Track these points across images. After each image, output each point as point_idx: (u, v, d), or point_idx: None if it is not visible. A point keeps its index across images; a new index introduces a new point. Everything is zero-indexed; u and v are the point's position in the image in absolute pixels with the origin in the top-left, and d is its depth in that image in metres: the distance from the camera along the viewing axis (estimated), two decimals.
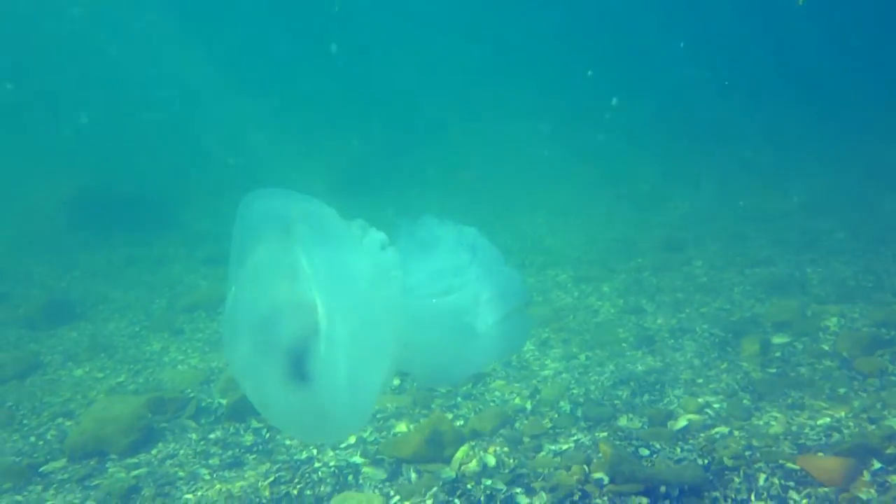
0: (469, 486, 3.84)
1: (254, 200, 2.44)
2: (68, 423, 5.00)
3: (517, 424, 4.58)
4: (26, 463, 4.40)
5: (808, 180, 12.32)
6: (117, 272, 9.57)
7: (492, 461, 4.09)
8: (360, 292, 2.33)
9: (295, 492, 3.90)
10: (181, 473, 4.18)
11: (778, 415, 4.44)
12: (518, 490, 3.75)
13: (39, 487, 4.17)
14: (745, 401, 4.68)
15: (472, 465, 4.05)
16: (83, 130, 17.63)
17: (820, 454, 3.83)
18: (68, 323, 7.37)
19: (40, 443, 4.77)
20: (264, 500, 3.81)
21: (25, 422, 5.09)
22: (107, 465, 4.37)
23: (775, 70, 22.39)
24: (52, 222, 11.97)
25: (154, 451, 4.50)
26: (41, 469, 4.38)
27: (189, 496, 3.92)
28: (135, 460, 4.42)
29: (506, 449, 4.22)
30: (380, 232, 2.45)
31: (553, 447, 4.23)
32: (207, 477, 4.11)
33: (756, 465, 3.77)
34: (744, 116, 17.02)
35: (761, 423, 4.36)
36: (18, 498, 4.06)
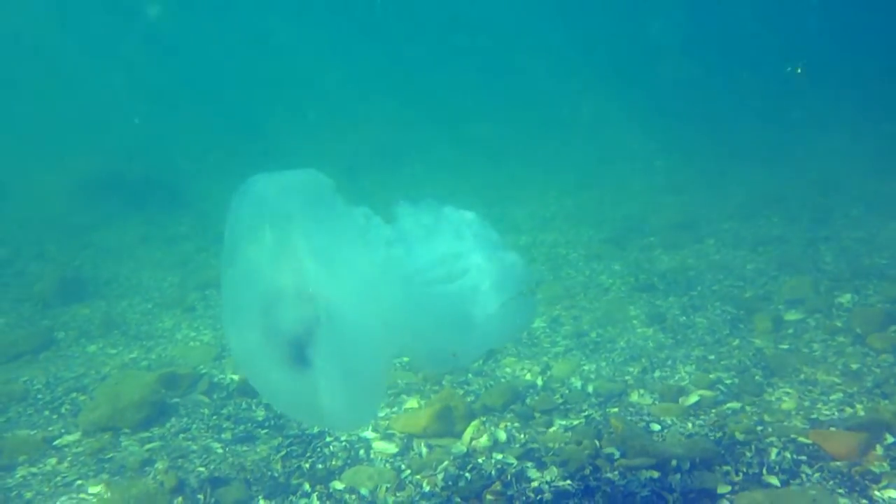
0: (480, 461, 3.85)
1: (256, 183, 2.37)
2: (82, 398, 5.05)
3: (528, 400, 4.58)
4: (41, 436, 4.45)
5: (823, 158, 12.16)
6: (130, 251, 9.60)
7: (502, 436, 4.10)
8: (359, 279, 2.30)
9: (307, 466, 3.92)
10: (194, 447, 4.22)
11: (790, 390, 4.42)
12: (529, 464, 3.76)
13: (54, 460, 4.21)
14: (757, 377, 4.66)
15: (483, 440, 4.06)
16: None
17: (832, 429, 3.81)
18: (82, 300, 7.42)
19: (54, 417, 4.82)
20: (276, 474, 3.84)
21: (40, 396, 5.14)
22: (120, 439, 4.42)
23: (786, 48, 22.08)
24: (65, 202, 12.03)
25: (167, 426, 4.53)
26: (55, 442, 4.43)
27: (202, 469, 3.95)
28: (148, 434, 4.46)
29: (516, 424, 4.22)
30: (380, 219, 2.42)
31: (564, 422, 4.23)
32: (220, 451, 4.14)
33: (768, 440, 3.76)
34: (755, 94, 16.83)
35: (773, 398, 4.34)
36: (34, 470, 4.11)
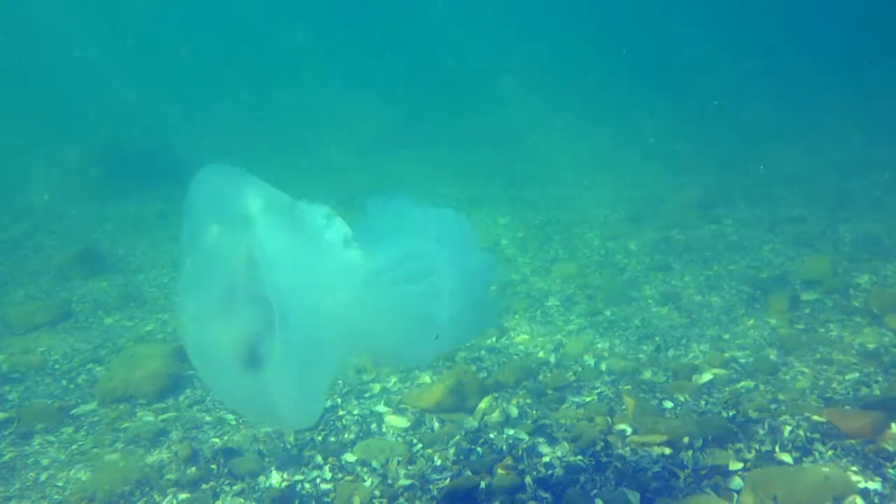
0: (491, 436, 3.86)
1: (208, 176, 2.32)
2: (98, 369, 5.11)
3: (540, 377, 4.57)
4: (58, 405, 4.52)
5: (844, 140, 11.97)
6: (147, 225, 9.67)
7: (514, 412, 4.10)
8: (315, 279, 2.26)
9: (319, 438, 3.95)
10: (208, 418, 4.26)
11: (805, 370, 4.38)
12: (540, 440, 3.76)
13: (71, 429, 4.28)
14: (771, 356, 4.62)
15: (495, 416, 4.07)
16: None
17: (847, 407, 3.78)
18: (99, 273, 7.48)
19: (71, 387, 4.89)
20: (289, 446, 3.87)
21: (57, 367, 5.21)
22: (136, 410, 4.47)
23: (806, 31, 21.69)
24: (84, 176, 12.11)
25: (181, 398, 4.58)
26: (72, 412, 4.49)
27: (216, 440, 3.99)
28: (163, 405, 4.51)
29: (528, 400, 4.22)
30: (339, 218, 2.35)
31: (576, 399, 4.23)
32: (234, 422, 4.18)
33: (781, 418, 3.74)
34: (777, 77, 16.56)
35: (788, 377, 4.30)
36: (51, 438, 4.18)
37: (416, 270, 2.42)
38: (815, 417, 3.70)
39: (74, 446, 4.05)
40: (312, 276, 2.29)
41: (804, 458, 3.39)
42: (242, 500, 3.43)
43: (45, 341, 5.67)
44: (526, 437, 3.80)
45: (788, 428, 3.64)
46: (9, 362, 5.26)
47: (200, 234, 2.34)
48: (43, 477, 3.74)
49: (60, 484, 3.66)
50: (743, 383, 4.26)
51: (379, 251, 2.43)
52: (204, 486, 3.56)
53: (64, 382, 4.95)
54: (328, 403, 4.32)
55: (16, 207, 10.76)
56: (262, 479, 3.59)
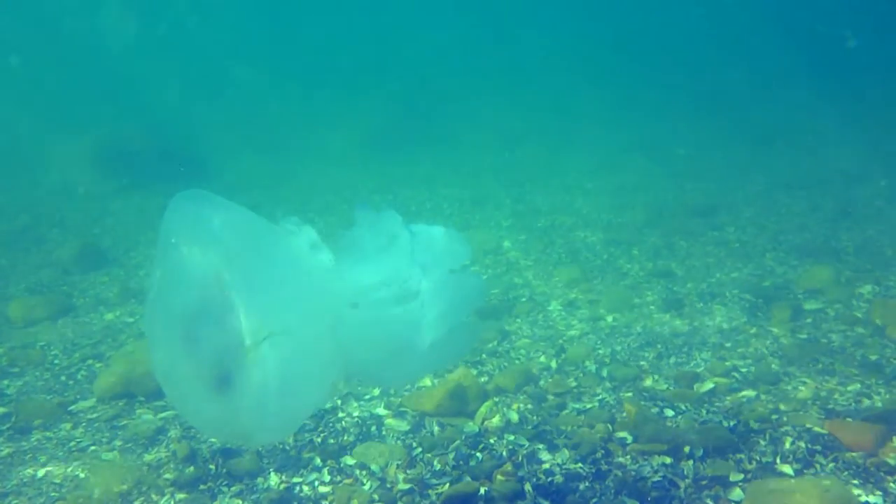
0: (491, 441, 3.84)
1: (181, 203, 2.31)
2: (98, 365, 5.11)
3: (542, 382, 4.56)
4: (57, 401, 4.51)
5: (849, 147, 11.94)
6: (149, 221, 9.64)
7: (515, 417, 4.09)
8: (291, 305, 2.22)
9: (318, 440, 3.94)
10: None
11: (807, 380, 4.36)
12: (540, 446, 3.75)
13: (69, 425, 4.27)
14: (773, 365, 4.60)
15: (496, 421, 4.06)
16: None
17: (848, 419, 3.76)
18: (100, 268, 7.48)
19: (70, 382, 4.88)
20: (288, 447, 3.86)
21: (56, 362, 5.20)
22: (135, 407, 4.46)
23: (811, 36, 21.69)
24: (85, 170, 12.12)
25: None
26: (71, 408, 4.48)
27: (214, 440, 3.98)
28: (162, 403, 4.49)
29: (529, 406, 4.21)
30: (314, 235, 2.33)
31: (577, 406, 4.21)
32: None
33: (783, 429, 3.72)
34: (783, 86, 16.56)
35: (790, 387, 4.29)
36: (49, 434, 4.17)
37: (398, 294, 2.39)
38: (817, 429, 3.69)
39: (72, 443, 4.04)
40: (288, 298, 2.24)
41: (805, 471, 3.38)
42: (240, 502, 3.42)
43: (45, 336, 5.67)
44: (526, 443, 3.79)
45: (790, 439, 3.62)
46: (8, 356, 5.26)
47: (170, 259, 2.32)
48: (41, 474, 3.72)
49: (58, 481, 3.65)
50: (744, 393, 4.24)
51: (362, 271, 2.41)
52: (202, 487, 3.55)
53: (63, 378, 4.95)
54: (328, 405, 4.31)
55: (18, 200, 10.76)
56: (260, 480, 3.58)
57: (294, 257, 2.32)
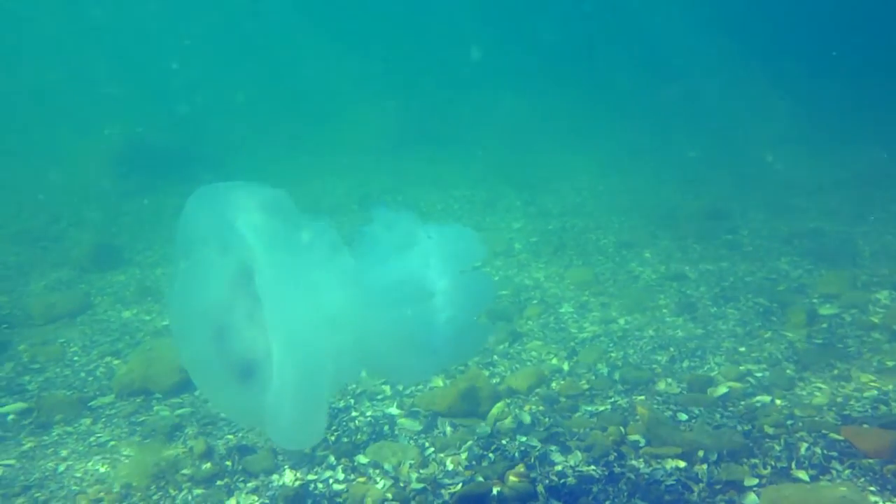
0: (504, 442, 3.86)
1: (211, 192, 2.35)
2: (116, 362, 5.17)
3: (553, 384, 4.57)
4: (77, 397, 4.58)
5: (864, 151, 11.87)
6: (164, 221, 9.73)
7: (527, 419, 4.10)
8: (312, 300, 2.24)
9: (332, 438, 3.97)
10: (223, 415, 4.29)
11: (823, 385, 4.35)
12: (553, 448, 3.76)
13: (89, 420, 4.33)
14: (788, 370, 4.59)
15: (508, 422, 4.07)
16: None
17: (865, 426, 3.75)
18: (117, 267, 7.56)
19: (90, 379, 4.94)
20: None
21: (76, 359, 5.27)
22: (152, 404, 4.52)
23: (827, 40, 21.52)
24: (102, 170, 12.25)
25: (197, 393, 4.62)
26: (90, 403, 4.55)
27: (230, 437, 4.02)
28: (178, 400, 4.55)
29: (541, 408, 4.22)
30: (338, 236, 2.36)
31: (589, 408, 4.22)
32: (246, 426, 4.20)
33: (798, 434, 3.72)
34: (794, 84, 16.46)
35: (805, 393, 4.28)
36: (69, 429, 4.23)
37: (413, 293, 2.42)
38: (833, 435, 3.68)
39: (92, 438, 4.10)
40: (307, 293, 2.27)
41: (821, 477, 3.37)
42: (256, 498, 3.46)
43: (65, 333, 5.74)
44: (538, 445, 3.81)
45: (805, 445, 3.62)
46: (29, 353, 5.33)
47: (195, 251, 2.36)
48: (62, 468, 3.79)
49: (79, 475, 3.71)
50: (759, 398, 4.24)
51: (378, 270, 2.44)
52: (219, 483, 3.60)
53: (83, 374, 5.01)
54: (341, 404, 4.35)
55: (36, 200, 10.89)
56: (275, 477, 3.62)
57: (314, 252, 2.35)
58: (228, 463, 3.75)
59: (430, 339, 2.44)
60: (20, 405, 4.53)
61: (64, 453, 3.93)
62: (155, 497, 3.49)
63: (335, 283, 2.34)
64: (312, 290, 2.31)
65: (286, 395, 2.17)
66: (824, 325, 5.29)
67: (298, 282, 2.29)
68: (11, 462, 3.85)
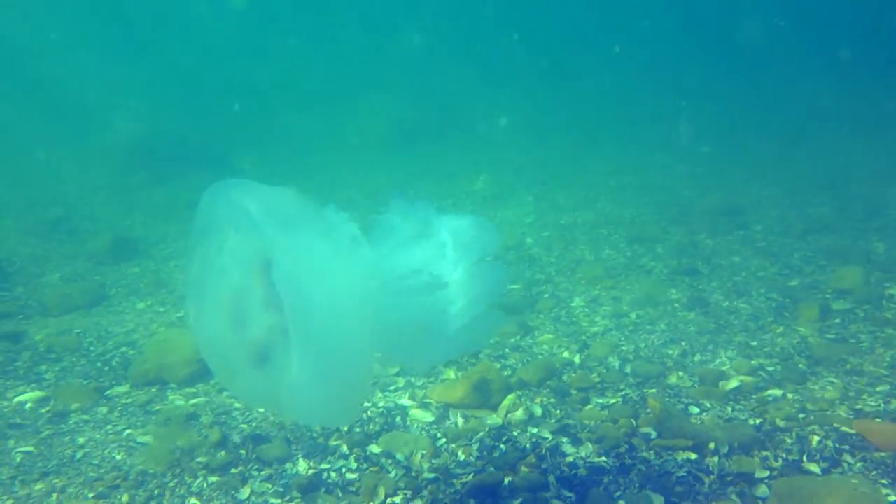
0: (515, 434, 3.88)
1: (222, 189, 2.37)
2: (131, 353, 5.23)
3: (565, 377, 4.59)
4: (93, 386, 4.64)
5: (882, 146, 11.78)
6: (177, 214, 9.82)
7: (538, 411, 4.12)
8: (328, 286, 2.25)
9: (345, 429, 4.00)
10: (237, 405, 4.34)
11: (835, 380, 4.34)
12: (564, 440, 3.78)
13: (105, 409, 4.39)
14: (800, 365, 4.59)
15: (519, 414, 4.10)
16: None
17: (877, 420, 3.75)
18: (131, 259, 7.64)
19: (106, 368, 5.00)
20: (315, 434, 3.93)
21: (92, 349, 5.34)
22: (167, 393, 4.57)
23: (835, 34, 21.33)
24: (115, 164, 12.36)
25: (211, 383, 4.67)
26: (107, 393, 4.61)
27: (244, 426, 4.07)
28: (193, 390, 4.60)
29: (552, 400, 4.24)
30: (353, 224, 2.38)
31: (601, 401, 4.24)
32: (261, 409, 4.25)
33: (809, 428, 3.72)
34: (814, 79, 16.34)
35: (817, 387, 4.27)
36: (86, 417, 4.29)
37: (428, 283, 2.44)
38: (845, 429, 3.68)
39: (109, 426, 4.16)
40: (325, 280, 2.30)
41: (832, 470, 3.37)
42: (270, 486, 3.50)
43: (81, 324, 5.81)
44: (549, 437, 3.83)
45: (816, 438, 3.62)
46: (46, 342, 5.40)
47: (211, 241, 2.39)
48: (79, 455, 3.84)
49: (96, 462, 3.76)
50: (770, 391, 4.24)
51: (393, 258, 2.47)
52: (233, 471, 3.64)
53: (98, 364, 5.08)
54: None
55: (52, 192, 11.00)
56: (289, 465, 3.66)
57: (330, 240, 2.37)
58: (243, 452, 3.79)
59: (441, 328, 2.47)
60: (38, 394, 4.59)
61: (81, 441, 3.99)
62: (171, 484, 3.54)
63: (354, 271, 2.37)
64: (331, 275, 2.33)
65: (319, 376, 2.20)
66: (837, 321, 5.28)
67: (317, 268, 2.31)
68: (30, 449, 3.91)
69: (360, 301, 2.27)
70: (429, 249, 2.49)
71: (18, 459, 3.80)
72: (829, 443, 3.57)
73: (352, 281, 2.28)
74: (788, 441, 3.62)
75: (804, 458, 3.47)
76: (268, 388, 2.32)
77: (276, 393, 2.28)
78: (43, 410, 4.39)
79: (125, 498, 3.41)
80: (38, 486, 3.54)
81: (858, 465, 3.39)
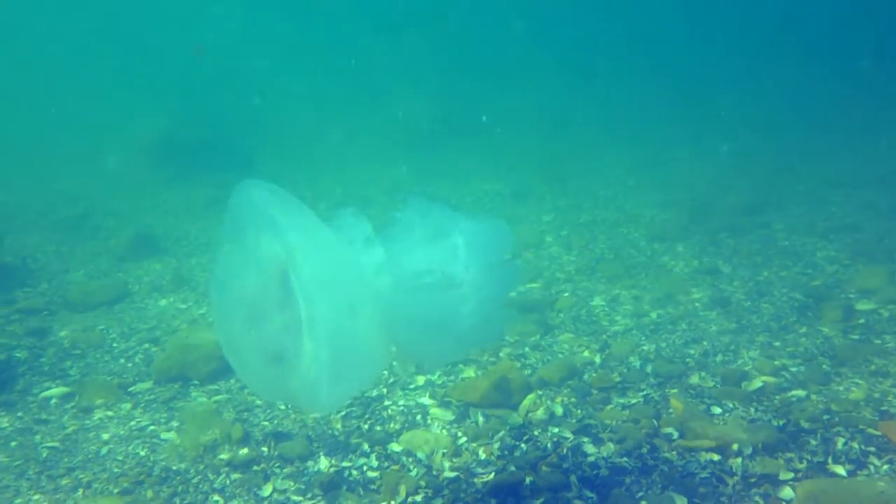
0: (536, 433, 3.88)
1: (246, 190, 2.43)
2: (154, 349, 5.28)
3: (585, 377, 4.57)
4: (117, 382, 4.69)
5: None
6: (199, 211, 9.90)
7: (559, 410, 4.11)
8: (342, 286, 2.30)
9: (366, 427, 4.02)
10: (258, 402, 4.37)
11: (860, 381, 4.29)
12: (585, 439, 3.77)
13: (129, 405, 4.44)
14: (824, 366, 4.54)
15: (539, 413, 4.09)
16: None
17: None
18: (153, 256, 7.71)
19: (129, 365, 5.06)
20: (336, 432, 3.96)
21: (115, 345, 5.40)
22: (189, 390, 4.61)
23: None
24: (136, 162, 12.50)
25: (233, 381, 4.70)
26: (130, 389, 4.66)
27: (266, 423, 4.10)
28: (215, 387, 4.64)
29: (573, 399, 4.23)
30: (367, 225, 2.43)
31: (622, 401, 4.22)
32: (283, 407, 4.28)
33: (834, 429, 3.68)
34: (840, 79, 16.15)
35: (841, 388, 4.23)
36: (110, 413, 4.34)
37: (442, 282, 2.46)
38: (871, 430, 3.64)
39: (133, 422, 4.21)
40: (337, 283, 2.33)
41: (858, 472, 3.34)
42: (292, 483, 3.53)
43: (104, 320, 5.88)
44: (570, 436, 3.82)
45: (842, 440, 3.58)
46: (70, 338, 5.47)
47: (234, 241, 2.45)
48: (104, 451, 3.89)
49: (120, 458, 3.81)
50: (794, 392, 4.19)
51: (408, 257, 2.49)
52: (255, 468, 3.67)
53: (122, 360, 5.14)
54: (374, 393, 4.40)
55: (75, 189, 11.14)
56: (310, 463, 3.68)
57: (349, 249, 2.41)
58: (265, 449, 3.82)
59: (453, 326, 2.49)
60: (63, 389, 4.66)
61: (105, 437, 4.04)
62: (194, 481, 3.57)
63: (367, 275, 2.40)
64: (346, 280, 2.36)
65: (322, 371, 2.23)
66: (861, 321, 5.21)
67: (333, 271, 2.34)
68: (55, 444, 3.97)
69: (370, 302, 2.30)
70: (443, 249, 2.52)
71: (45, 454, 3.86)
72: (855, 444, 3.53)
73: (364, 282, 2.31)
74: (813, 442, 3.59)
75: (829, 460, 3.44)
76: (282, 385, 2.37)
77: (289, 389, 2.33)
78: (68, 406, 4.46)
79: (149, 494, 3.45)
80: (64, 481, 3.59)
81: (885, 467, 3.35)
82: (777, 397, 4.14)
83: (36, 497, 3.45)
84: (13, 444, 3.99)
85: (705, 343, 5.01)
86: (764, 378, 4.38)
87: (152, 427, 4.14)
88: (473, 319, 2.49)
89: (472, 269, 2.50)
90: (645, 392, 4.31)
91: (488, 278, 2.52)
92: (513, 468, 3.55)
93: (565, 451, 3.69)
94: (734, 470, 3.39)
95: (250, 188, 2.45)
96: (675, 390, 4.30)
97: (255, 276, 2.42)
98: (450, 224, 2.56)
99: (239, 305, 2.45)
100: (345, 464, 3.67)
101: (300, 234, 2.31)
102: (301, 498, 3.42)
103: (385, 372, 4.64)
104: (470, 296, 2.48)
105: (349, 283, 2.33)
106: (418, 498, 3.37)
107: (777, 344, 4.93)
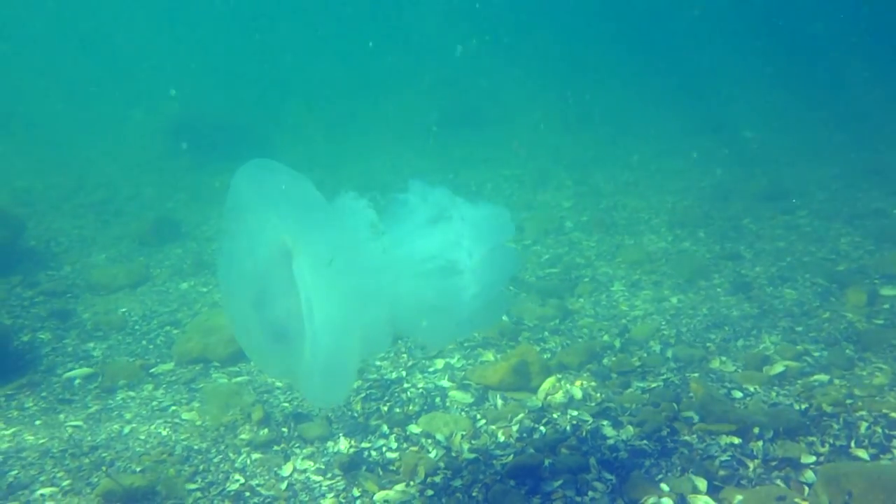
0: (555, 416, 3.87)
1: (249, 171, 2.44)
2: (175, 332, 5.34)
3: (605, 360, 4.55)
4: (139, 364, 4.75)
5: None
6: (218, 196, 9.92)
7: (578, 394, 4.10)
8: (344, 270, 2.29)
9: (385, 409, 4.04)
10: (278, 384, 4.40)
11: (884, 366, 4.23)
12: (604, 423, 3.76)
13: (151, 386, 4.49)
14: (847, 350, 4.48)
15: (559, 397, 4.08)
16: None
17: None
18: (174, 240, 7.78)
19: (151, 347, 5.12)
20: (356, 414, 3.98)
21: (137, 327, 5.46)
22: (210, 371, 4.66)
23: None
24: (156, 147, 12.59)
25: (252, 363, 4.74)
26: (152, 370, 4.71)
27: (286, 405, 4.13)
28: (236, 368, 4.68)
29: (593, 383, 4.22)
30: (371, 211, 2.42)
31: (642, 384, 4.20)
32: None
33: (857, 414, 3.63)
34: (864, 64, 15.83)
35: (865, 373, 4.17)
36: (132, 394, 4.40)
37: (445, 268, 2.47)
38: (894, 415, 3.59)
39: (154, 402, 4.26)
40: (342, 264, 2.34)
41: (881, 456, 3.30)
42: (312, 463, 3.55)
43: (126, 303, 5.95)
44: (590, 419, 3.81)
45: (865, 424, 3.53)
46: (93, 321, 5.55)
47: (239, 223, 2.47)
48: (126, 430, 3.94)
49: (143, 437, 3.86)
50: (816, 377, 4.15)
51: (411, 242, 2.50)
52: (276, 448, 3.70)
53: (144, 342, 5.20)
54: (394, 376, 4.42)
55: (97, 174, 11.25)
56: (330, 444, 3.70)
57: (352, 229, 2.41)
58: (285, 429, 3.85)
59: (455, 310, 2.50)
60: (86, 370, 4.72)
61: (128, 416, 4.10)
62: (216, 460, 3.61)
63: (370, 257, 2.41)
64: (348, 258, 2.37)
65: (319, 359, 2.24)
66: (886, 306, 5.13)
67: (335, 252, 2.35)
68: (79, 423, 4.03)
69: (372, 286, 2.31)
70: (445, 234, 2.52)
71: (69, 433, 3.92)
72: (878, 429, 3.48)
73: (365, 267, 2.32)
74: (835, 426, 3.54)
75: (852, 444, 3.40)
76: (285, 365, 2.40)
77: (292, 370, 2.35)
78: (91, 386, 4.52)
79: (171, 472, 3.49)
80: (87, 459, 3.64)
81: None
82: (799, 381, 4.10)
83: (60, 474, 3.51)
84: (38, 422, 4.06)
85: (726, 328, 4.96)
86: (786, 362, 4.33)
87: (174, 407, 4.18)
88: (475, 304, 2.50)
89: (474, 256, 2.50)
90: (665, 376, 4.28)
91: (490, 263, 2.53)
92: (532, 450, 3.55)
93: (584, 433, 3.68)
94: (755, 453, 3.36)
95: (254, 169, 2.45)
96: (695, 374, 4.27)
97: (256, 257, 2.44)
98: (452, 209, 2.56)
99: (243, 286, 2.48)
100: (364, 445, 3.69)
101: (302, 216, 2.33)
102: (321, 478, 3.44)
103: (404, 355, 4.66)
104: (472, 282, 2.49)
105: (351, 268, 2.34)
106: (437, 479, 3.38)
107: (799, 329, 4.87)
